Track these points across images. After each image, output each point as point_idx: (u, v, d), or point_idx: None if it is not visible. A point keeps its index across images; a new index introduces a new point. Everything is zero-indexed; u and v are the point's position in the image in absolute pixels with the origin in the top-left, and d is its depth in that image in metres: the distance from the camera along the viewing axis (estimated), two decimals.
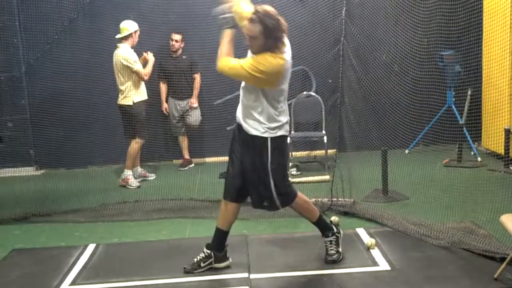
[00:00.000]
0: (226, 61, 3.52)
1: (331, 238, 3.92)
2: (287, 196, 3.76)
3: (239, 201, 3.81)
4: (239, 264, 3.95)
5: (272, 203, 3.72)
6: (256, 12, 3.40)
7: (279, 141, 3.64)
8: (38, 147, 7.41)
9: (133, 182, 6.44)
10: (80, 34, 7.25)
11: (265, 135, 3.59)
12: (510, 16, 6.30)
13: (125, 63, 6.20)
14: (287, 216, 4.74)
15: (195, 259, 3.89)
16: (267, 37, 3.39)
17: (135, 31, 6.34)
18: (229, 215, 3.82)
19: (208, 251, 3.88)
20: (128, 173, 6.46)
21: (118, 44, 6.33)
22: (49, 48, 7.22)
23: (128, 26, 6.29)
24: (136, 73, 6.24)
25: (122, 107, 6.36)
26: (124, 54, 6.23)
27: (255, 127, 3.60)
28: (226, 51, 3.54)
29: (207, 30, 7.06)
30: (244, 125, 3.64)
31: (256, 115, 3.58)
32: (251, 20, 3.39)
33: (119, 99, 6.36)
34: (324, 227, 3.95)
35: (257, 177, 3.65)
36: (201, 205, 5.46)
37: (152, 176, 6.77)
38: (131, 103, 6.31)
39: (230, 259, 3.94)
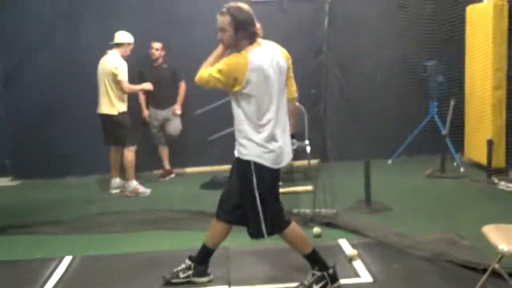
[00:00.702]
0: (200, 72, 3.45)
1: (316, 272, 3.58)
2: (276, 226, 3.53)
3: (229, 223, 3.67)
4: (219, 276, 3.87)
5: (258, 230, 3.52)
6: (227, 6, 3.39)
7: (262, 169, 3.41)
8: (14, 157, 7.28)
9: (144, 190, 6.38)
10: (59, 44, 7.16)
11: (246, 158, 3.42)
12: (491, 27, 6.34)
13: (113, 70, 6.10)
14: None
15: (175, 269, 3.81)
16: (237, 29, 3.34)
17: (128, 43, 6.28)
18: (217, 234, 3.72)
19: (189, 262, 3.80)
20: (134, 183, 6.36)
21: (108, 51, 6.24)
22: (27, 57, 7.11)
23: (123, 36, 6.25)
24: (119, 82, 6.13)
25: (107, 116, 6.24)
26: (114, 61, 6.13)
27: (238, 148, 3.47)
28: (208, 64, 3.46)
29: (189, 38, 7.05)
30: (236, 146, 3.51)
31: (237, 134, 3.47)
32: (220, 13, 3.38)
33: (103, 107, 6.24)
34: (314, 262, 3.61)
35: (246, 203, 3.51)
36: (181, 217, 5.35)
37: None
38: (116, 113, 6.20)
39: (212, 276, 3.85)
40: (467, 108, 7.11)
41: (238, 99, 3.40)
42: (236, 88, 3.35)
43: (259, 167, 3.41)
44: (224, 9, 3.38)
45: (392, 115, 7.45)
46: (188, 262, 3.81)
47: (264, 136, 3.40)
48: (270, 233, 3.53)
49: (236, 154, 3.51)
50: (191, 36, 7.06)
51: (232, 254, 4.30)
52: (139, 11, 7.15)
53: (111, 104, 6.18)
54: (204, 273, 3.82)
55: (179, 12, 7.20)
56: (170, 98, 7.01)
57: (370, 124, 7.34)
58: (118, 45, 6.24)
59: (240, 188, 3.51)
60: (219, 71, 3.34)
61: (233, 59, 3.36)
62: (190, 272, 3.78)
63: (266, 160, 3.41)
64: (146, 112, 7.03)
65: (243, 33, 3.36)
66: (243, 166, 3.45)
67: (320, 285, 3.56)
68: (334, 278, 3.60)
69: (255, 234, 3.56)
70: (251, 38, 3.39)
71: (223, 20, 3.37)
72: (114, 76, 6.12)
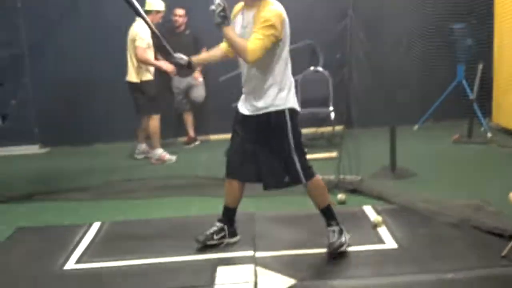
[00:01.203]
0: (250, 47, 3.32)
1: (334, 228, 3.71)
2: (309, 169, 3.66)
3: (241, 180, 3.78)
4: (244, 241, 3.92)
5: (296, 178, 3.61)
6: None
7: (294, 114, 3.58)
8: (42, 125, 7.38)
9: (170, 157, 6.45)
10: (83, 11, 7.16)
11: (280, 108, 3.51)
12: None
13: (135, 37, 6.08)
14: (294, 194, 4.68)
15: (208, 232, 3.85)
16: None
17: (157, 11, 6.23)
18: (235, 193, 3.83)
19: (221, 224, 3.88)
20: (159, 151, 6.42)
21: (136, 18, 6.22)
22: (52, 26, 7.14)
23: (152, 3, 6.20)
24: (136, 48, 6.09)
25: (131, 84, 6.25)
26: (138, 28, 6.10)
27: (270, 101, 3.51)
28: (242, 41, 3.37)
29: (211, 5, 6.97)
30: (257, 106, 3.54)
31: (270, 87, 3.50)
32: None
33: (128, 74, 6.24)
34: (331, 216, 3.76)
35: (279, 155, 3.58)
36: (206, 183, 5.40)
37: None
38: (138, 81, 6.21)
39: (239, 236, 3.95)
40: (496, 72, 6.96)
41: (275, 48, 3.43)
42: (282, 35, 3.41)
43: (292, 112, 3.55)
44: None
45: (418, 80, 7.32)
46: (219, 224, 3.87)
47: (290, 80, 3.57)
48: (306, 177, 3.61)
49: (262, 110, 3.53)
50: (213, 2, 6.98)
51: (257, 220, 4.35)
52: None
53: (135, 72, 6.19)
54: (235, 234, 3.92)
55: None
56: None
57: (396, 89, 7.23)
58: (147, 12, 6.15)
59: (273, 142, 3.57)
60: (272, 26, 3.32)
61: (274, 9, 3.38)
62: (223, 233, 3.86)
63: (295, 104, 3.59)
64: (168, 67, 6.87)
65: None
66: (276, 118, 3.53)
67: (344, 238, 3.68)
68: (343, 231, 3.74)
69: (292, 181, 3.64)
70: None
71: None
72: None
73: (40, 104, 7.34)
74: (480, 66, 6.76)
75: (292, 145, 3.55)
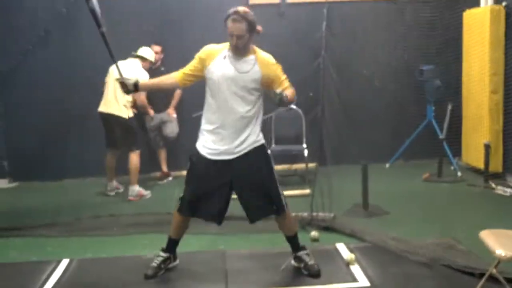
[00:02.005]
0: (291, 90, 3.70)
1: (307, 251, 3.98)
2: (285, 198, 3.87)
3: (192, 216, 3.92)
4: (216, 280, 3.87)
5: (281, 207, 3.81)
6: (236, 12, 3.48)
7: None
8: (12, 159, 7.24)
9: (147, 193, 6.46)
10: (56, 46, 7.12)
11: (262, 141, 3.77)
12: (488, 31, 6.36)
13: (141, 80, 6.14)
14: (265, 231, 4.67)
15: (154, 264, 3.97)
16: (251, 31, 3.52)
17: (151, 61, 6.53)
18: (184, 227, 3.99)
19: (167, 254, 4.02)
20: (137, 188, 6.36)
21: (130, 58, 6.28)
22: (24, 58, 7.07)
23: (149, 53, 6.50)
24: (138, 93, 6.13)
25: (117, 118, 6.20)
26: (139, 73, 6.10)
27: (254, 138, 3.71)
28: (290, 92, 3.66)
29: (186, 41, 7.03)
30: (243, 146, 3.67)
31: (255, 125, 3.70)
32: (234, 20, 3.46)
33: (113, 108, 6.18)
34: (298, 243, 4.00)
35: (266, 187, 3.75)
36: None
37: (121, 189, 6.65)
38: (126, 116, 6.21)
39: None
40: (464, 112, 7.12)
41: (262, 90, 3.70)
42: None
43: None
44: (237, 16, 3.46)
45: (389, 119, 7.46)
46: (165, 254, 4.03)
47: None
48: (286, 206, 3.85)
49: (248, 147, 3.69)
50: (188, 39, 7.05)
51: (228, 258, 4.30)
52: (136, 14, 7.13)
53: (125, 107, 6.19)
54: (176, 257, 4.10)
55: (177, 15, 7.18)
56: (166, 101, 7.00)
57: (367, 128, 7.35)
58: (143, 59, 6.39)
59: (259, 175, 3.73)
60: (283, 73, 3.70)
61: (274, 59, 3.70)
62: (169, 261, 4.04)
63: None
64: (151, 112, 6.95)
65: (253, 34, 3.55)
66: (262, 151, 3.76)
67: (313, 259, 3.94)
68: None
69: (278, 210, 3.82)
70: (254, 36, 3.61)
71: (241, 27, 3.46)
72: None
73: (11, 138, 7.20)
74: (449, 107, 6.92)
75: (276, 177, 3.78)
